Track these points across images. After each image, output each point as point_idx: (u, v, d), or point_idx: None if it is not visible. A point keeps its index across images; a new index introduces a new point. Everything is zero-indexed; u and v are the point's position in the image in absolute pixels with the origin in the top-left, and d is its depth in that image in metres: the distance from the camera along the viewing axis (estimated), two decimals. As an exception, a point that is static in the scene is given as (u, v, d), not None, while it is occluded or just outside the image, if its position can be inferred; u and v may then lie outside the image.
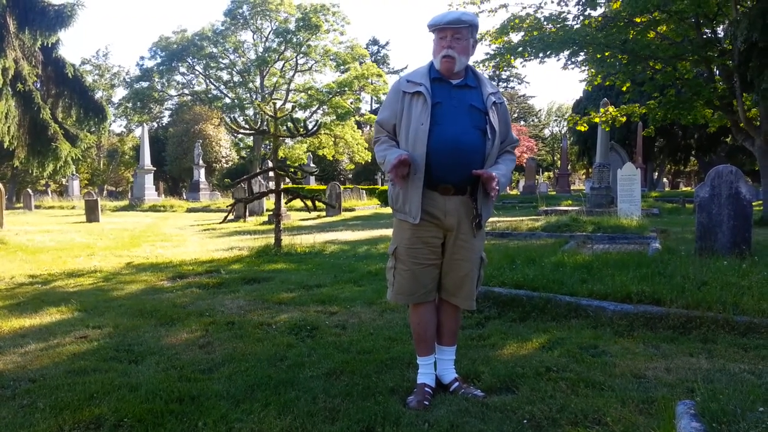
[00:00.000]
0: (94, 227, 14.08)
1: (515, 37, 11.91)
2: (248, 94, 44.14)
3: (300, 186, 25.23)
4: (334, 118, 41.76)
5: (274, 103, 10.19)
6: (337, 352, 3.37)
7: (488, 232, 9.14)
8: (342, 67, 42.98)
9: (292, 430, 2.35)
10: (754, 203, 6.40)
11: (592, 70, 12.80)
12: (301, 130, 8.58)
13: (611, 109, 13.58)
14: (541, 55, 11.37)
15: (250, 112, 41.94)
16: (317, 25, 41.02)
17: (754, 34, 9.20)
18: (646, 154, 30.37)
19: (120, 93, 47.79)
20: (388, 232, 8.17)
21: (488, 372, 2.95)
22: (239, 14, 42.52)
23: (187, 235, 11.97)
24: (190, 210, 22.68)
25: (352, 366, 3.08)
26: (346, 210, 19.35)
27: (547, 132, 65.32)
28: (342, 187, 21.23)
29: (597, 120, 13.61)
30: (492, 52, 12.21)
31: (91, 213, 16.34)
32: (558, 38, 10.87)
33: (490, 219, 2.76)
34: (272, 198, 9.44)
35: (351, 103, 44.06)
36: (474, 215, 2.67)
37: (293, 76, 44.52)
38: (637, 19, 11.16)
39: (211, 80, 45.15)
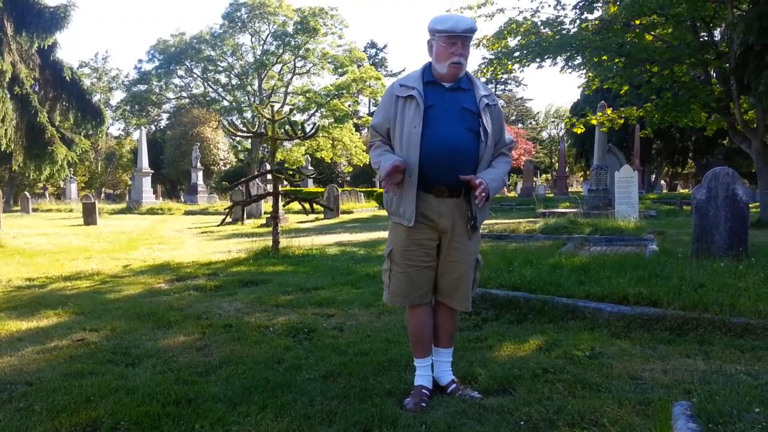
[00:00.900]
0: (91, 230, 14.06)
1: (512, 42, 11.94)
2: (246, 97, 44.12)
3: (298, 189, 25.21)
4: (332, 120, 41.77)
5: (272, 106, 10.20)
6: (335, 354, 3.37)
7: (486, 234, 9.15)
8: (340, 70, 43.01)
9: (289, 432, 2.34)
10: (750, 205, 6.41)
11: (590, 73, 12.84)
12: (299, 132, 8.59)
13: (609, 111, 13.61)
14: (538, 59, 11.40)
15: (248, 115, 41.90)
16: (315, 28, 41.05)
17: (751, 37, 9.24)
18: (644, 157, 30.44)
19: (118, 96, 47.78)
20: (386, 234, 8.22)
21: (485, 374, 2.95)
22: (237, 17, 42.53)
23: (184, 237, 11.96)
24: (187, 213, 22.66)
25: (349, 368, 3.08)
26: (344, 212, 19.36)
27: (544, 134, 65.45)
28: (340, 189, 21.23)
29: (594, 122, 13.64)
30: (490, 57, 12.23)
31: (89, 216, 16.31)
32: (555, 42, 10.90)
33: (488, 221, 2.78)
34: (270, 201, 9.45)
35: (349, 105, 44.09)
36: (468, 217, 2.67)
37: (291, 79, 44.54)
38: (636, 21, 11.20)
39: (209, 83, 45.14)
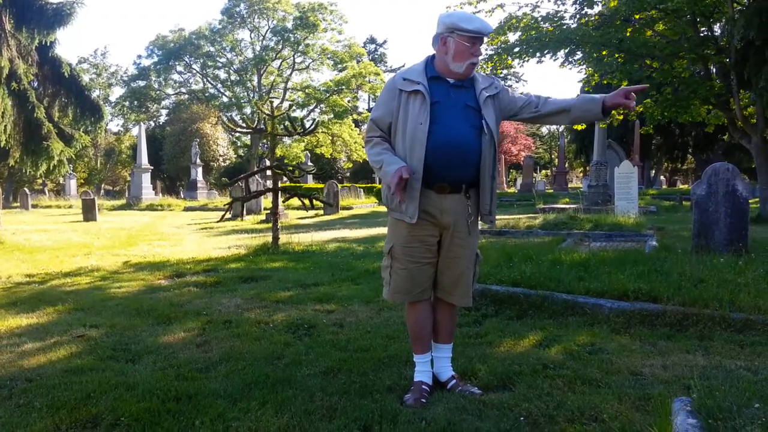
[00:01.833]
0: (91, 226, 14.05)
1: (512, 37, 11.92)
2: (245, 93, 44.05)
3: (298, 184, 25.20)
4: (332, 116, 41.73)
5: (272, 102, 10.18)
6: (335, 350, 3.37)
7: (486, 230, 9.15)
8: (339, 65, 42.93)
9: (289, 428, 2.35)
10: (750, 201, 6.41)
11: (590, 69, 12.81)
12: (299, 128, 8.57)
13: (608, 107, 13.57)
14: (538, 54, 11.38)
15: (248, 110, 41.86)
16: (315, 23, 40.95)
17: (751, 32, 9.22)
18: (644, 152, 30.41)
19: (117, 92, 47.65)
20: (386, 230, 8.20)
21: (485, 369, 2.95)
22: (236, 13, 42.42)
23: (184, 233, 11.95)
24: (187, 209, 22.64)
25: (349, 364, 3.08)
26: (344, 208, 19.34)
27: (544, 130, 65.32)
28: (340, 185, 21.22)
29: (594, 118, 13.60)
30: (490, 53, 12.21)
31: (88, 212, 16.31)
32: (555, 37, 10.88)
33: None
34: (270, 197, 9.44)
35: (348, 101, 44.02)
36: (469, 213, 2.67)
37: (291, 74, 44.46)
38: (636, 16, 11.17)
39: (209, 79, 45.05)
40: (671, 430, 2.02)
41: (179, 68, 44.95)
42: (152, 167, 28.21)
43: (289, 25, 41.82)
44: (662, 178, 39.97)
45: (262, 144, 40.75)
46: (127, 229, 13.22)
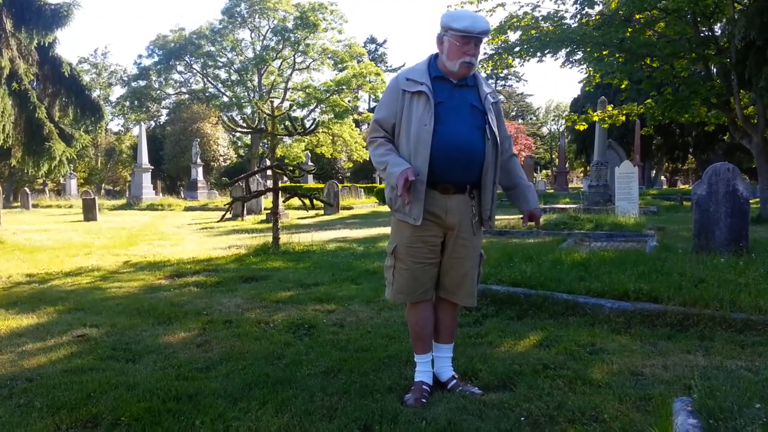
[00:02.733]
0: (91, 226, 14.05)
1: (513, 36, 11.92)
2: (246, 93, 44.05)
3: (298, 184, 25.22)
4: (332, 116, 41.71)
5: (272, 102, 10.17)
6: (335, 350, 3.37)
7: (486, 230, 9.15)
8: (340, 65, 42.92)
9: (289, 428, 2.34)
10: (751, 201, 6.40)
11: (590, 69, 12.81)
12: (299, 128, 8.57)
13: (609, 108, 13.59)
14: (538, 54, 11.38)
15: (248, 110, 41.87)
16: (315, 23, 40.94)
17: (752, 33, 9.22)
18: (644, 152, 30.41)
19: (117, 92, 47.66)
20: (386, 230, 8.13)
21: (486, 370, 2.95)
22: (237, 12, 42.42)
23: (184, 233, 11.95)
24: (187, 209, 22.65)
25: (349, 364, 3.08)
26: (344, 208, 19.34)
27: (545, 130, 65.40)
28: (340, 185, 21.22)
29: (595, 118, 13.62)
30: (490, 52, 12.21)
31: (89, 212, 16.31)
32: (555, 37, 10.88)
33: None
34: (270, 196, 9.44)
35: (349, 101, 44.01)
36: (473, 213, 2.66)
37: (291, 74, 44.45)
38: (635, 17, 11.17)
39: (209, 79, 45.05)
40: (672, 431, 2.02)
41: (180, 68, 44.95)
42: (153, 167, 28.22)
43: (290, 24, 41.82)
44: (663, 178, 39.97)
45: (263, 144, 40.73)
46: (127, 228, 13.22)
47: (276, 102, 34.30)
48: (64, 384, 2.85)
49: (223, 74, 44.98)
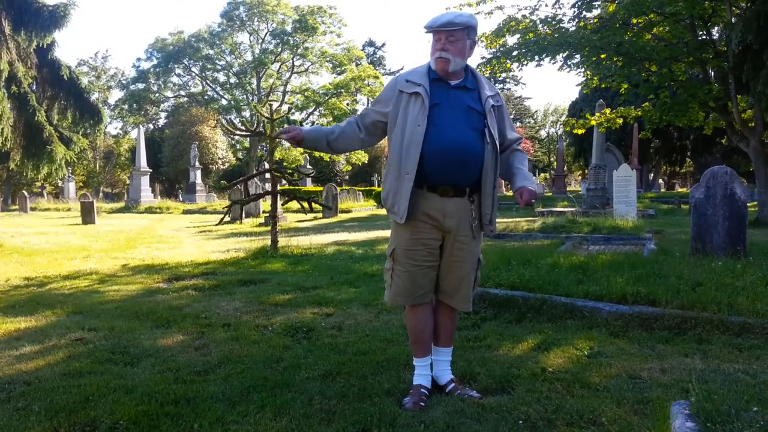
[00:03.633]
0: (89, 229, 14.04)
1: (511, 40, 11.95)
2: (245, 96, 44.03)
3: (296, 187, 25.13)
4: (331, 119, 41.70)
5: (271, 105, 10.19)
6: (333, 353, 3.37)
7: (486, 234, 9.16)
8: (338, 68, 42.93)
9: (288, 431, 2.34)
10: (749, 204, 6.42)
11: (588, 72, 12.85)
12: (298, 131, 8.57)
13: (607, 111, 13.62)
14: (537, 58, 11.41)
15: (247, 113, 41.87)
16: (314, 26, 40.98)
17: (750, 36, 9.25)
18: (642, 156, 30.46)
19: (116, 95, 47.69)
20: (385, 233, 8.13)
21: (484, 373, 2.95)
22: (236, 16, 42.44)
23: (183, 236, 11.94)
24: (186, 212, 22.63)
25: (348, 367, 3.08)
26: (343, 211, 19.34)
27: (543, 133, 65.45)
28: (339, 188, 21.22)
29: (593, 122, 13.65)
30: (488, 56, 12.24)
31: (87, 215, 16.29)
32: (554, 41, 10.91)
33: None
34: (269, 200, 9.44)
35: (347, 104, 44.02)
36: (473, 217, 2.67)
37: (290, 77, 44.46)
38: (633, 20, 11.21)
39: (208, 82, 45.04)
40: (669, 434, 2.03)
41: (178, 71, 44.93)
42: (151, 170, 28.19)
43: (289, 28, 41.85)
44: (661, 181, 39.99)
45: (261, 147, 40.77)
46: (125, 232, 13.20)
47: (275, 105, 34.32)
48: (62, 387, 2.85)
49: (221, 77, 44.99)
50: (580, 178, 48.80)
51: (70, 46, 75.80)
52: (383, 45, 70.07)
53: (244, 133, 8.97)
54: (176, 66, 44.01)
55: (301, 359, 3.27)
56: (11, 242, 10.08)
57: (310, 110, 43.26)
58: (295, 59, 43.38)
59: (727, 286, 4.20)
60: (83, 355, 3.45)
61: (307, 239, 9.42)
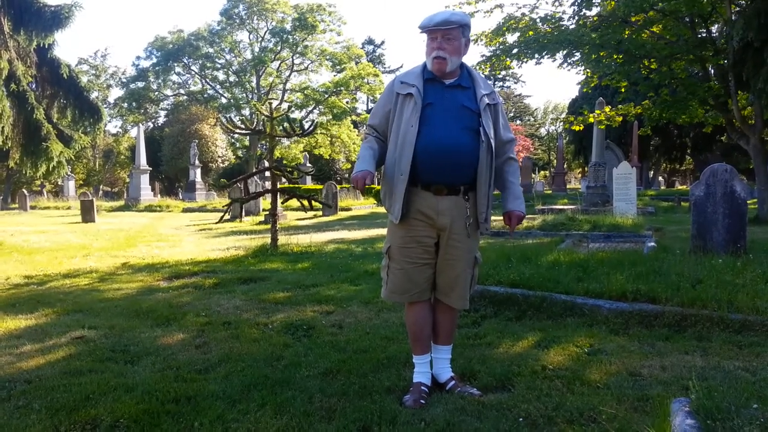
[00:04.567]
0: (89, 228, 14.04)
1: (511, 38, 11.94)
2: (244, 94, 44.03)
3: (296, 186, 25.09)
4: (331, 117, 41.72)
5: (270, 103, 10.18)
6: (334, 351, 3.37)
7: (482, 232, 9.16)
8: (338, 66, 42.95)
9: (288, 429, 2.35)
10: (749, 201, 6.42)
11: (588, 70, 12.84)
12: (298, 129, 8.58)
13: (607, 109, 13.61)
14: (536, 56, 11.40)
15: (246, 111, 41.87)
16: (313, 25, 40.98)
17: (750, 34, 9.24)
18: (642, 153, 30.44)
19: (116, 93, 47.65)
20: (385, 231, 8.16)
21: (484, 370, 2.95)
22: (235, 14, 42.43)
23: (183, 235, 11.94)
24: (186, 210, 22.63)
25: (348, 365, 3.08)
26: (343, 209, 19.34)
27: (543, 131, 65.43)
28: (338, 186, 21.22)
29: (592, 120, 13.65)
30: (488, 54, 12.23)
31: (87, 213, 16.29)
32: (553, 39, 10.89)
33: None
34: (269, 198, 9.44)
35: (347, 102, 44.04)
36: (468, 215, 2.67)
37: (289, 75, 44.47)
38: (633, 18, 11.20)
39: (207, 80, 45.03)
40: (670, 431, 2.03)
41: (178, 69, 44.94)
42: (151, 168, 28.18)
43: (288, 26, 41.84)
44: (660, 178, 39.98)
45: (261, 145, 40.75)
46: (125, 230, 13.20)
47: (274, 103, 34.31)
48: (62, 386, 2.85)
49: (221, 76, 44.99)
50: (580, 175, 48.79)
51: (69, 45, 75.75)
52: (382, 43, 70.09)
53: (243, 131, 8.96)
54: (176, 64, 44.01)
55: (302, 357, 3.27)
56: (11, 241, 10.08)
57: (310, 108, 43.25)
58: (294, 57, 43.38)
59: (727, 284, 4.20)
60: (83, 353, 3.45)
61: (307, 237, 9.42)
